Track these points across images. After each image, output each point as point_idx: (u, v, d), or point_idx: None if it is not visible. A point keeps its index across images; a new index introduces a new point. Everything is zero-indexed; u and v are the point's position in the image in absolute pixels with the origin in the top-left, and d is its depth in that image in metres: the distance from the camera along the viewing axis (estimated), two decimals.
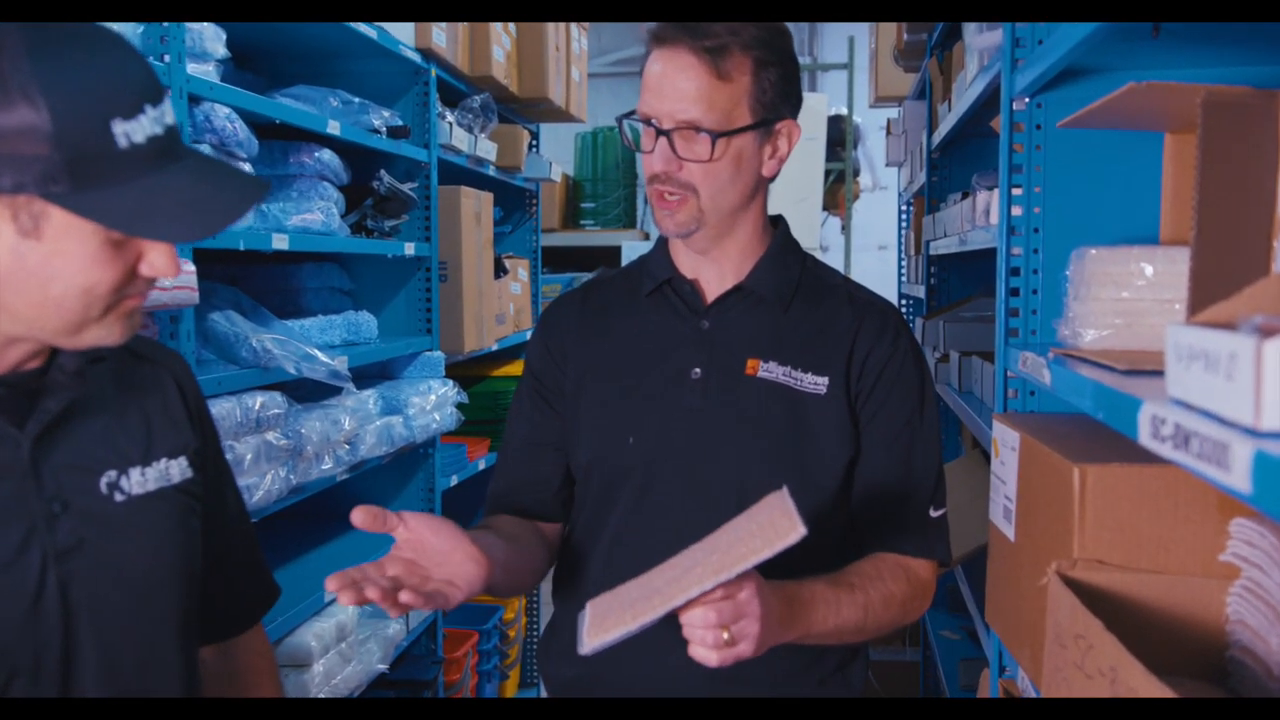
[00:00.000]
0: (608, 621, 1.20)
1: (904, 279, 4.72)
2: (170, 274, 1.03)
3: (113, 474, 1.11)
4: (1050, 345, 1.46)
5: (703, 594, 1.17)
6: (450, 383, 3.24)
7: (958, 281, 3.50)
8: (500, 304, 3.87)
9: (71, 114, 0.92)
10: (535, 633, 4.52)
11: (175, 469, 1.17)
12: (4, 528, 1.02)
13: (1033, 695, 1.35)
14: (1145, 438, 0.86)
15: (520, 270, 4.19)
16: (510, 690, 4.38)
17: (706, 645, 1.18)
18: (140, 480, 1.13)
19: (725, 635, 1.18)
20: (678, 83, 1.35)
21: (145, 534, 1.12)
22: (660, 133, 1.37)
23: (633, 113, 1.43)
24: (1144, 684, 0.87)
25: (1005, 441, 1.48)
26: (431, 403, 3.10)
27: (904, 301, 4.53)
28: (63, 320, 1.00)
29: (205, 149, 1.98)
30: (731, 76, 1.36)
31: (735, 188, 1.42)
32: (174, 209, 0.98)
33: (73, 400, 1.07)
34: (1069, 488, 1.20)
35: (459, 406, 3.31)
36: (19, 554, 1.02)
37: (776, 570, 1.34)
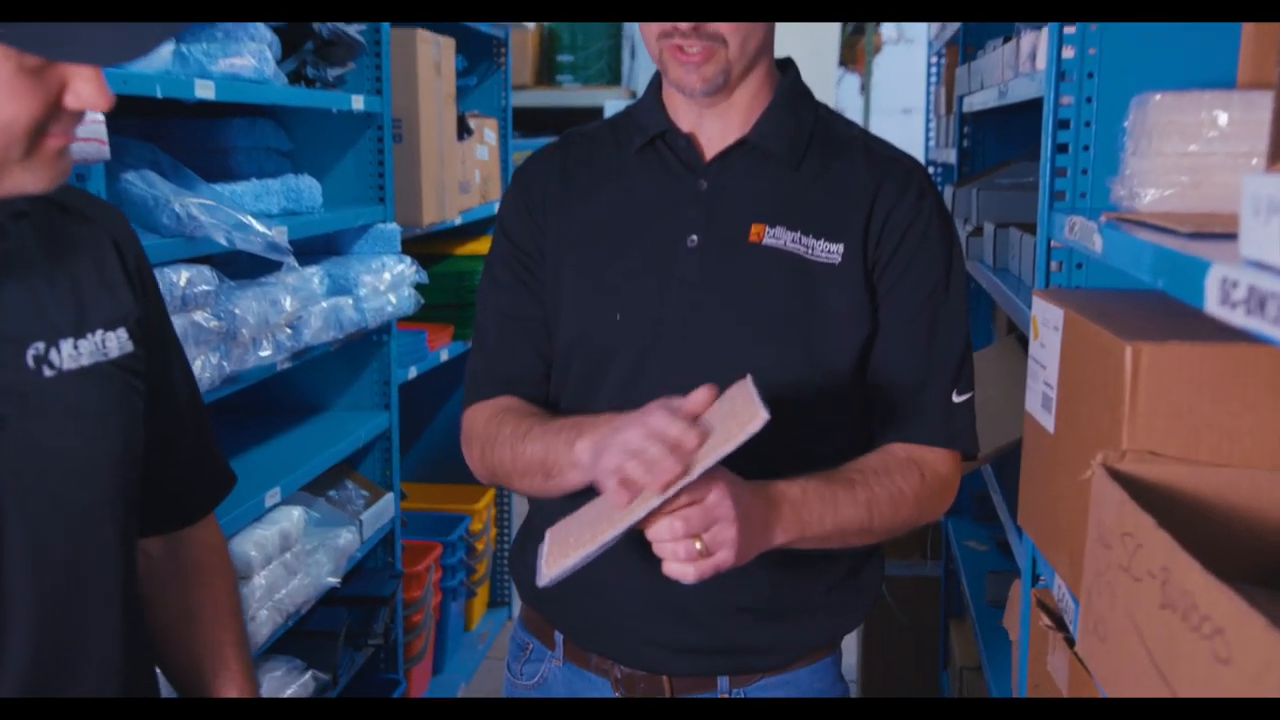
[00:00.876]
0: (566, 546, 1.21)
1: (932, 143, 4.68)
2: (101, 106, 1.01)
3: (40, 346, 1.11)
4: (1102, 209, 1.45)
5: (665, 503, 1.18)
6: (407, 260, 3.22)
7: (994, 143, 3.47)
8: (464, 170, 3.83)
9: None
10: (505, 545, 4.58)
11: (113, 341, 1.18)
12: None
13: (1070, 605, 1.37)
14: (1213, 304, 0.85)
15: (487, 132, 4.13)
16: (478, 610, 4.46)
17: (679, 559, 1.19)
18: (72, 354, 1.13)
19: (698, 545, 1.19)
20: None
21: (78, 413, 1.14)
22: None
23: None
24: (1200, 585, 0.87)
25: (1047, 320, 1.48)
26: (386, 282, 3.07)
27: (933, 168, 4.49)
28: None
29: None
30: None
31: (766, 31, 1.41)
32: (95, 26, 0.95)
33: None
34: (1120, 370, 1.20)
35: (417, 288, 3.29)
36: None
37: (785, 472, 1.35)
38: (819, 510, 1.34)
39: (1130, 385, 1.19)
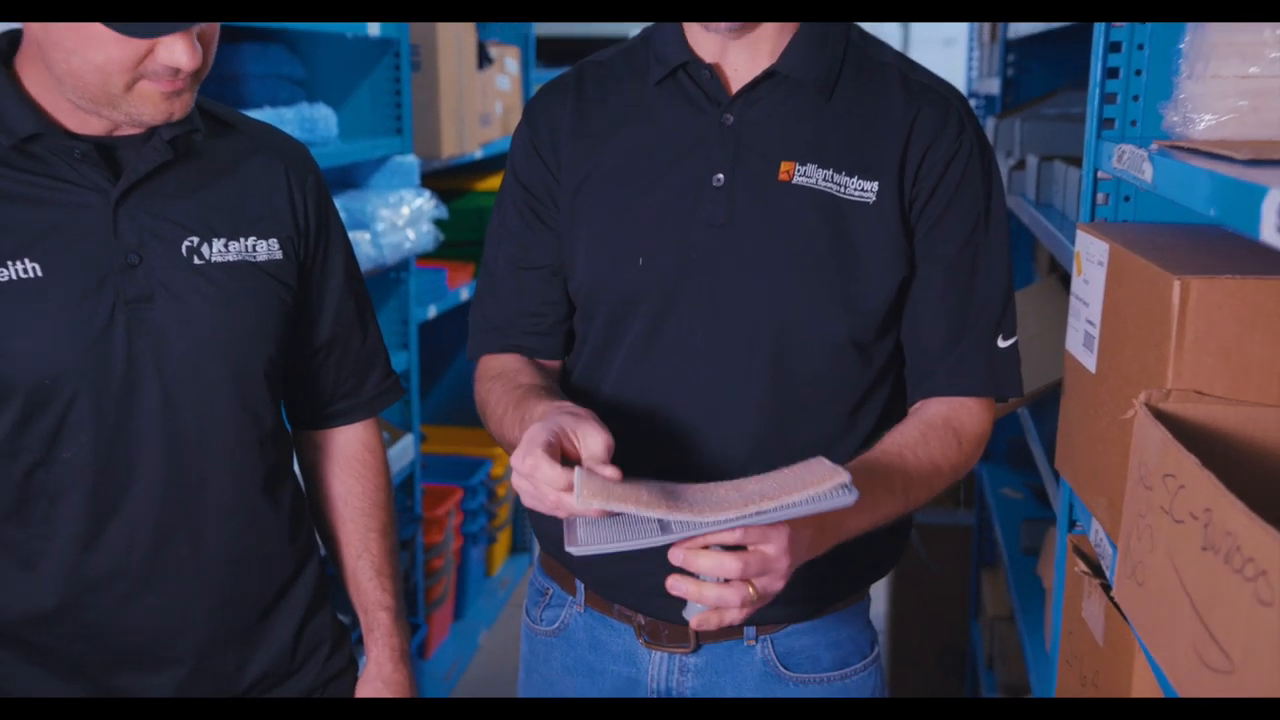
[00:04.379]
0: (604, 531, 1.19)
1: (974, 73, 4.63)
2: (185, 64, 1.24)
3: (194, 240, 1.38)
4: (1153, 138, 1.43)
5: (723, 527, 1.14)
6: (426, 193, 3.22)
7: (1041, 71, 3.45)
8: (485, 101, 3.81)
9: None
10: None
11: (262, 248, 1.44)
12: (84, 267, 1.32)
13: (1108, 551, 1.37)
14: (1269, 232, 0.84)
15: (509, 61, 4.11)
16: (499, 555, 4.51)
17: (731, 603, 1.16)
18: (221, 250, 1.40)
19: (751, 591, 1.17)
20: None
21: (215, 300, 1.39)
22: None
23: None
24: (1244, 526, 0.87)
25: (1091, 255, 1.46)
26: (404, 217, 3.08)
27: (974, 99, 4.46)
28: (87, 92, 1.26)
29: None
30: None
31: None
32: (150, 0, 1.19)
33: (162, 165, 1.35)
34: (1167, 304, 1.20)
35: (437, 223, 3.30)
36: (93, 291, 1.32)
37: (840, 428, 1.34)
38: (859, 516, 1.32)
39: (1178, 321, 1.19)
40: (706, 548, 1.17)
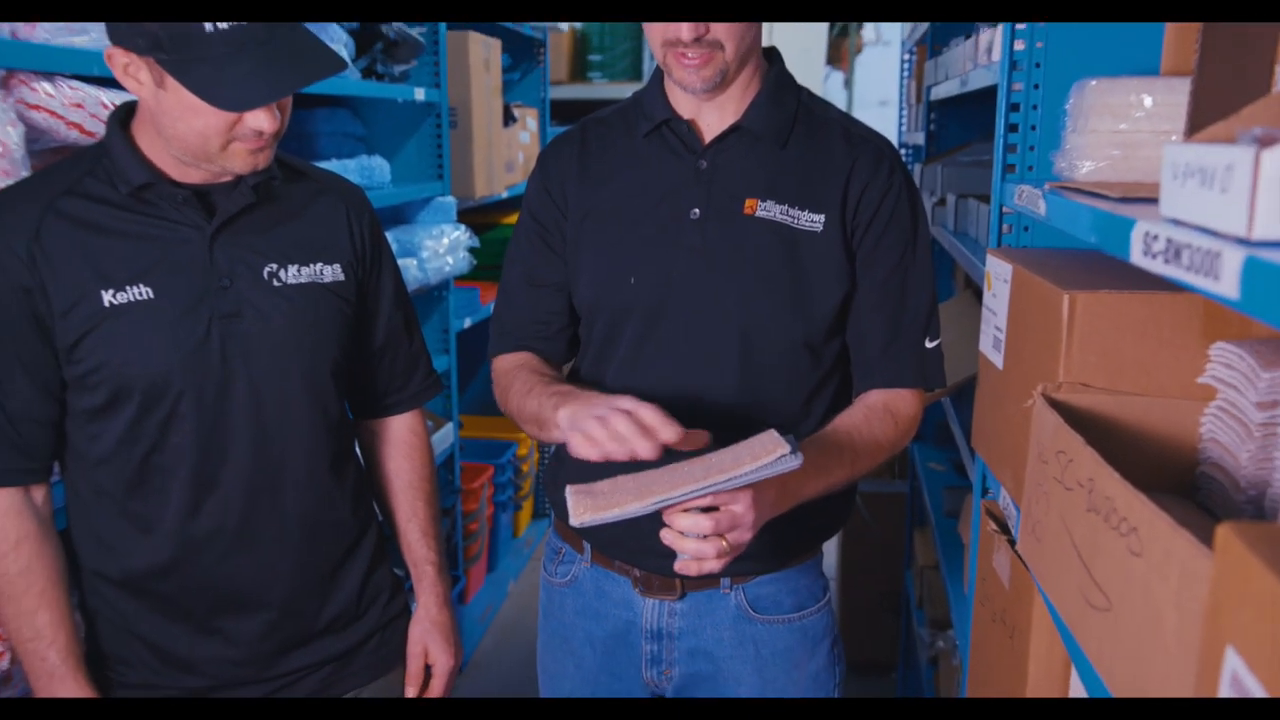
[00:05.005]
0: (602, 500, 1.18)
1: (904, 128, 4.63)
2: (267, 129, 1.27)
3: (273, 265, 1.40)
4: (1046, 180, 1.43)
5: (693, 496, 1.15)
6: (462, 227, 3.22)
7: (956, 127, 3.44)
8: (509, 152, 3.81)
9: None
10: (546, 465, 4.61)
11: (328, 271, 1.45)
12: (187, 290, 1.33)
13: (1013, 513, 1.37)
14: (1137, 255, 0.84)
15: (529, 120, 4.11)
16: (524, 520, 4.50)
17: (707, 555, 1.18)
18: (295, 274, 1.41)
19: (724, 544, 1.18)
20: None
21: (291, 310, 1.40)
22: None
23: None
24: (1119, 492, 0.88)
25: (998, 274, 1.47)
26: (444, 246, 3.08)
27: (904, 149, 4.44)
28: (190, 150, 1.28)
29: None
30: None
31: (755, 32, 1.38)
32: (243, 82, 1.21)
33: (248, 207, 1.37)
34: (1058, 314, 1.19)
35: (471, 251, 3.30)
36: (194, 308, 1.34)
37: (796, 413, 1.34)
38: (814, 481, 1.33)
39: (1066, 327, 1.18)
40: (686, 511, 1.17)
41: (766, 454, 1.15)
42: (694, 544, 1.18)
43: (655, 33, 1.34)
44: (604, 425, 1.18)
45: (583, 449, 1.19)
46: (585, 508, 1.18)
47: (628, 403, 1.20)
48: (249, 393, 1.38)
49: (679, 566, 1.21)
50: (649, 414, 1.19)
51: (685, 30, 1.30)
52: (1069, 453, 1.02)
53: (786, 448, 1.15)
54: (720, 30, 1.31)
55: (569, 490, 1.22)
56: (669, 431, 1.18)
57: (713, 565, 1.19)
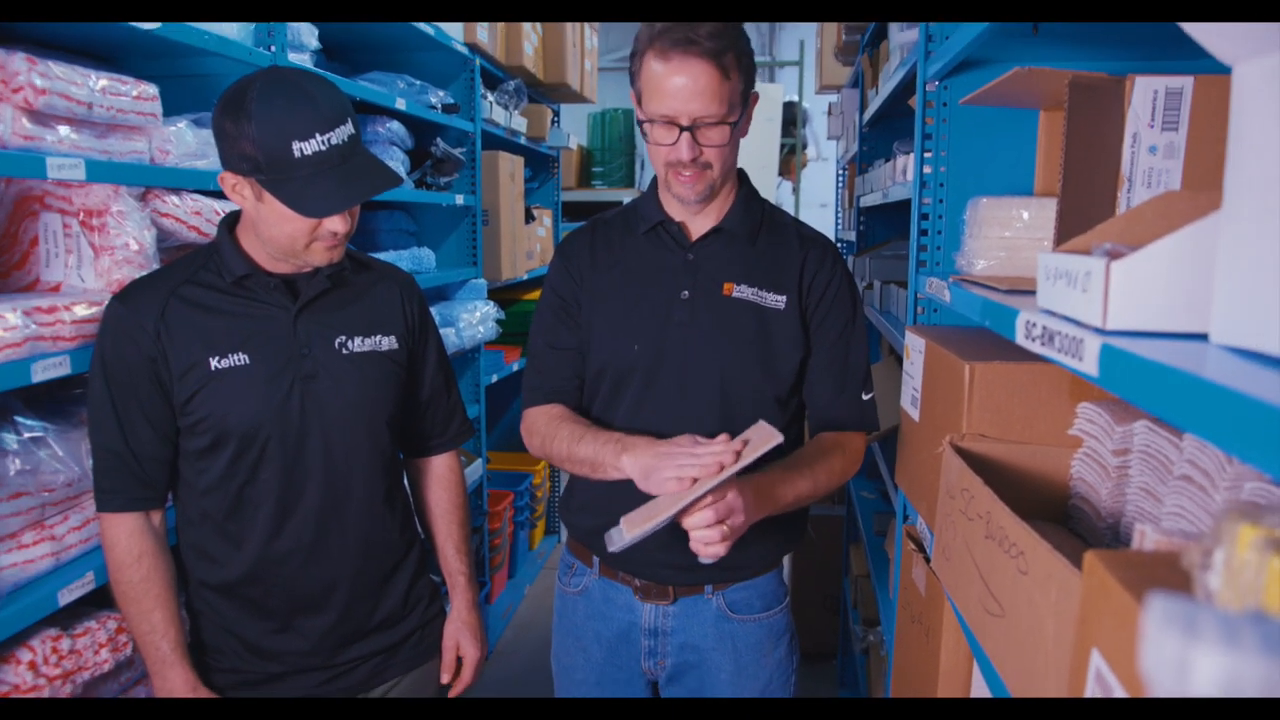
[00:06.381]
0: (632, 526, 1.21)
1: (839, 227, 4.68)
2: (340, 230, 1.29)
3: (343, 338, 1.41)
4: (950, 274, 1.45)
5: (697, 501, 1.19)
6: (491, 303, 3.24)
7: (880, 228, 3.46)
8: (529, 243, 3.85)
9: (267, 133, 1.21)
10: (556, 493, 4.58)
11: (386, 342, 1.45)
12: (275, 357, 1.34)
13: (927, 536, 1.38)
14: (1020, 338, 0.86)
15: (545, 218, 4.15)
16: (537, 535, 4.46)
17: (713, 540, 1.20)
18: (359, 344, 1.42)
19: (724, 528, 1.21)
20: (695, 87, 1.27)
21: (356, 373, 1.41)
22: (683, 129, 1.30)
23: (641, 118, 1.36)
24: (1010, 523, 0.88)
25: (915, 347, 1.48)
26: (477, 318, 3.09)
27: (841, 243, 4.48)
28: (281, 248, 1.31)
29: None
30: (729, 74, 1.29)
31: (734, 155, 1.39)
32: (323, 195, 1.23)
33: (322, 291, 1.38)
34: (961, 380, 1.21)
35: (498, 322, 3.31)
36: (280, 371, 1.34)
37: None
38: (785, 491, 1.34)
39: (968, 390, 1.20)
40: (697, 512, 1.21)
41: (764, 444, 1.19)
42: (704, 533, 1.20)
43: (659, 155, 1.35)
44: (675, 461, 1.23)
45: (680, 487, 1.22)
46: (620, 536, 1.21)
47: (685, 440, 1.25)
48: (322, 439, 1.38)
49: (698, 553, 1.22)
50: (717, 451, 1.23)
51: (683, 152, 1.32)
52: (971, 490, 1.03)
53: (779, 437, 1.20)
54: (710, 153, 1.33)
55: (618, 526, 1.24)
56: (729, 455, 1.22)
57: (719, 550, 1.21)
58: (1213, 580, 0.49)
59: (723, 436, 1.26)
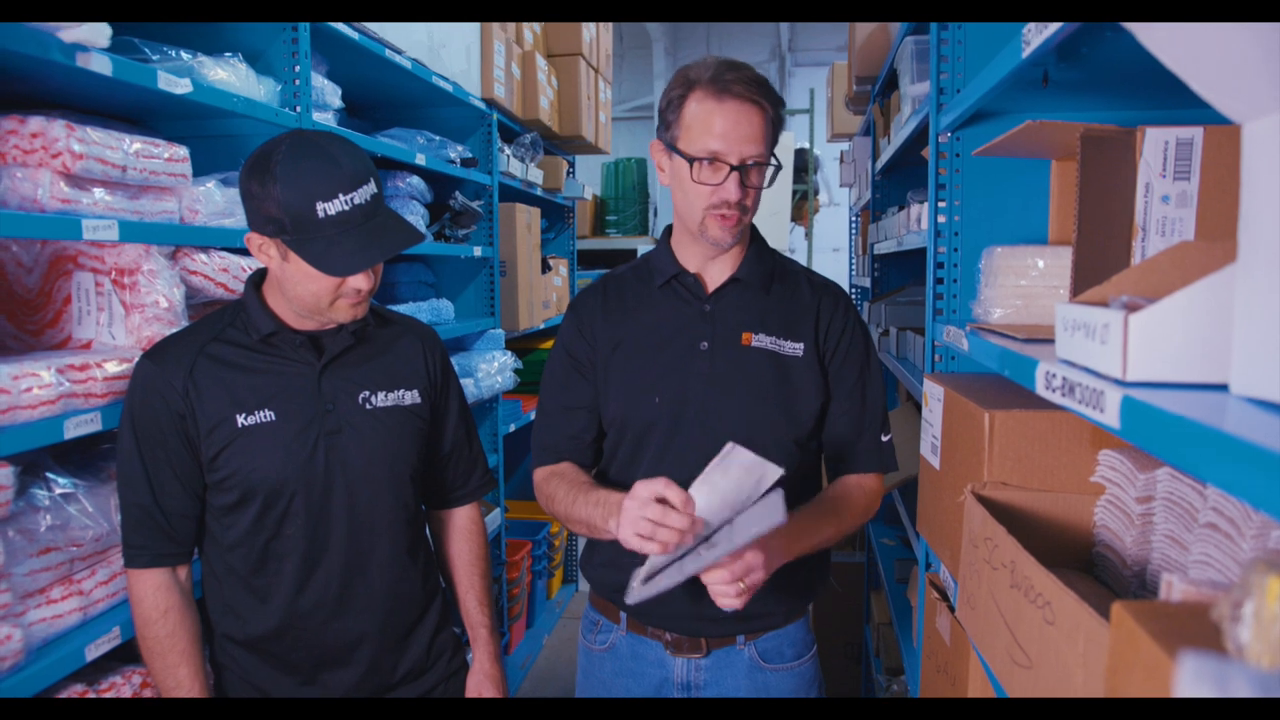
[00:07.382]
0: (651, 582, 1.21)
1: (853, 273, 4.69)
2: (363, 287, 1.31)
3: (366, 393, 1.41)
4: (967, 321, 1.46)
5: (716, 563, 1.19)
6: (509, 353, 3.26)
7: (895, 274, 3.47)
8: (545, 293, 3.88)
9: (292, 195, 1.23)
10: (574, 543, 4.55)
11: (409, 396, 1.46)
12: (300, 413, 1.35)
13: (951, 584, 1.37)
14: (1040, 388, 0.86)
15: (560, 268, 4.20)
16: (555, 584, 4.43)
17: (730, 596, 1.21)
18: (383, 399, 1.43)
19: (742, 585, 1.21)
20: (746, 129, 1.31)
21: (379, 428, 1.41)
22: (733, 168, 1.33)
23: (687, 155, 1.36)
24: (1035, 573, 0.88)
25: (933, 395, 1.48)
26: (495, 368, 3.11)
27: (853, 290, 4.49)
28: (306, 306, 1.32)
29: None
30: (770, 119, 1.34)
31: (759, 200, 1.42)
32: (347, 253, 1.25)
33: (346, 348, 1.39)
34: (981, 428, 1.21)
35: (515, 371, 3.33)
36: (305, 428, 1.35)
37: (789, 491, 1.35)
38: (808, 537, 1.34)
39: (988, 438, 1.20)
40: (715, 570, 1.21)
41: (769, 518, 1.15)
42: (721, 588, 1.21)
43: (700, 195, 1.35)
44: (645, 526, 1.20)
45: (647, 548, 1.20)
46: (633, 591, 1.20)
47: (644, 491, 1.21)
48: (346, 493, 1.39)
49: (719, 602, 1.22)
50: (670, 496, 1.20)
51: (733, 190, 1.33)
52: (994, 539, 1.02)
53: (781, 513, 1.14)
54: (749, 194, 1.36)
55: (635, 580, 1.23)
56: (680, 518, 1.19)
57: (735, 603, 1.21)
58: (1243, 633, 0.49)
59: (686, 497, 1.21)
